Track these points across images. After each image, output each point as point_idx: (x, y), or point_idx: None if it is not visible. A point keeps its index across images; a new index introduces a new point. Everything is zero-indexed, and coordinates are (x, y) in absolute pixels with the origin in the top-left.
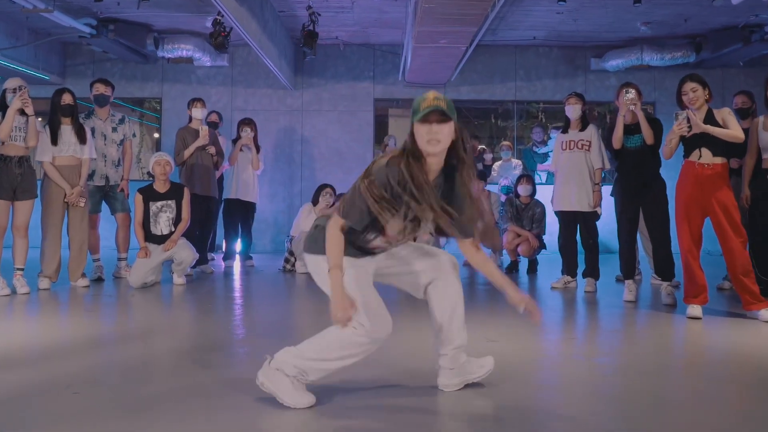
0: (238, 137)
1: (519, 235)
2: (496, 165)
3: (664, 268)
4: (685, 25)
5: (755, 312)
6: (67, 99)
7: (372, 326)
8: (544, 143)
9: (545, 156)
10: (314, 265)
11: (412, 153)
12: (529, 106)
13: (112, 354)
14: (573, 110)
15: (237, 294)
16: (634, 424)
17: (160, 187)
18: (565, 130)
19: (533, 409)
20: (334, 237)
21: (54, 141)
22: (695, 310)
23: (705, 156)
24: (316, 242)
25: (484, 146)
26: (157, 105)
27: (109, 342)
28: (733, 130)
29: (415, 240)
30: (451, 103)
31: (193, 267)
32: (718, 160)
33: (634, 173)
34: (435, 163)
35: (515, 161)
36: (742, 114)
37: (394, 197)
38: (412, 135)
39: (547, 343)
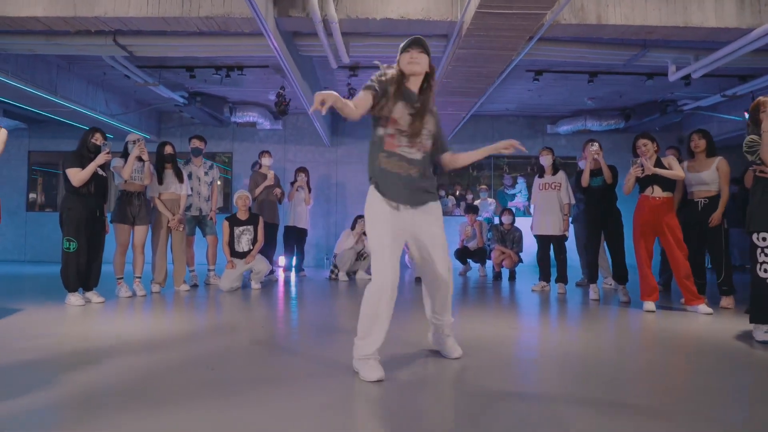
0: (295, 180)
1: (503, 253)
2: (477, 203)
3: (621, 274)
4: (620, 99)
5: (695, 306)
6: (168, 150)
7: (375, 275)
8: (513, 186)
9: (513, 196)
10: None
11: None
12: (498, 160)
13: (214, 340)
14: (545, 159)
15: (300, 295)
16: (601, 387)
17: (242, 215)
18: (541, 175)
19: (517, 377)
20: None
21: (160, 181)
22: (650, 305)
23: (656, 191)
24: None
25: (464, 191)
26: (225, 158)
27: (209, 332)
28: (676, 171)
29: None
30: (426, 42)
31: (265, 276)
32: (666, 194)
33: (598, 206)
34: (414, 82)
35: (490, 200)
36: None
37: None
38: (400, 70)
39: (548, 330)
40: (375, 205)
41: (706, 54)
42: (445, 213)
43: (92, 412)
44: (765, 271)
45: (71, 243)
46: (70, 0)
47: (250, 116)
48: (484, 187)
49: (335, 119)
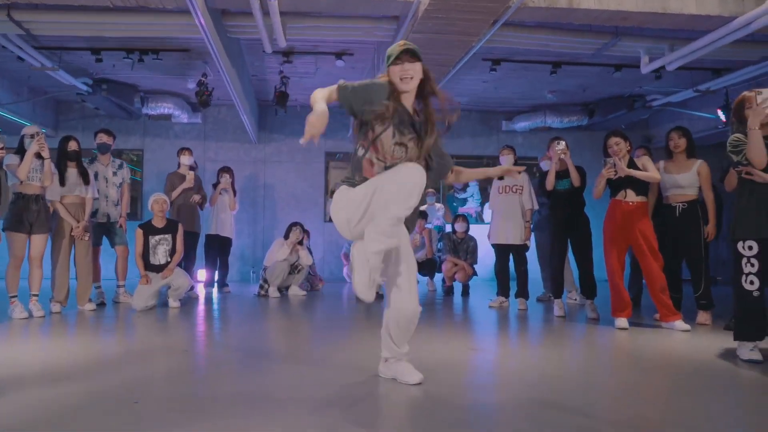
0: (218, 182)
1: (456, 264)
2: (423, 208)
3: (588, 288)
4: (583, 94)
5: (671, 323)
6: (73, 146)
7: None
8: (464, 190)
9: (464, 201)
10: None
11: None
12: None
13: (126, 369)
14: (506, 160)
15: (225, 315)
16: (570, 404)
17: (158, 222)
18: (501, 177)
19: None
20: (326, 92)
21: (62, 182)
22: (622, 322)
23: (629, 195)
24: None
25: None
26: (134, 156)
27: (122, 358)
28: (652, 173)
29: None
30: (418, 48)
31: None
32: (640, 198)
33: (564, 211)
34: (407, 97)
35: (438, 205)
36: None
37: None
38: (387, 76)
39: (515, 350)
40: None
41: (682, 44)
42: None
43: None
44: (751, 282)
45: None
46: None
47: (165, 107)
48: (431, 190)
49: (262, 111)
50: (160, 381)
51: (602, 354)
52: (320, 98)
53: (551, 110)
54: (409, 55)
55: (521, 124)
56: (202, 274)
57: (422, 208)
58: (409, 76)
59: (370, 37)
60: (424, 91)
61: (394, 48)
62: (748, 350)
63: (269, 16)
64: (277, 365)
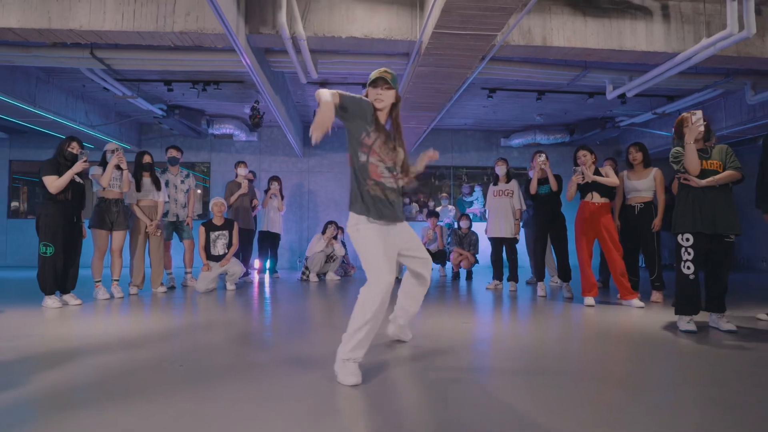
0: (269, 188)
1: (461, 254)
2: (438, 209)
3: (564, 273)
4: (564, 116)
5: (629, 301)
6: (147, 159)
7: (373, 278)
8: (470, 194)
9: (471, 203)
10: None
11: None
12: (458, 170)
13: (185, 342)
14: (500, 169)
15: (272, 296)
16: (544, 366)
17: (217, 221)
18: (495, 183)
19: (479, 361)
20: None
21: (138, 188)
22: (590, 300)
23: (595, 197)
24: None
25: (425, 198)
26: (204, 168)
27: (185, 330)
28: (612, 179)
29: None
30: (395, 76)
31: (240, 278)
32: (604, 200)
33: (545, 211)
34: (382, 115)
35: (450, 207)
36: None
37: (366, 120)
38: (367, 96)
39: (501, 324)
40: (363, 227)
41: (639, 75)
42: (409, 219)
43: (64, 410)
44: (687, 268)
45: (48, 248)
46: (44, 12)
47: (227, 128)
48: (444, 194)
49: (307, 132)
50: (214, 348)
51: (574, 326)
52: (326, 94)
53: (540, 129)
54: (383, 81)
55: (516, 141)
56: (257, 263)
57: (437, 209)
58: (381, 99)
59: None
60: (392, 112)
61: (375, 73)
62: (685, 323)
63: (301, 54)
64: (313, 334)
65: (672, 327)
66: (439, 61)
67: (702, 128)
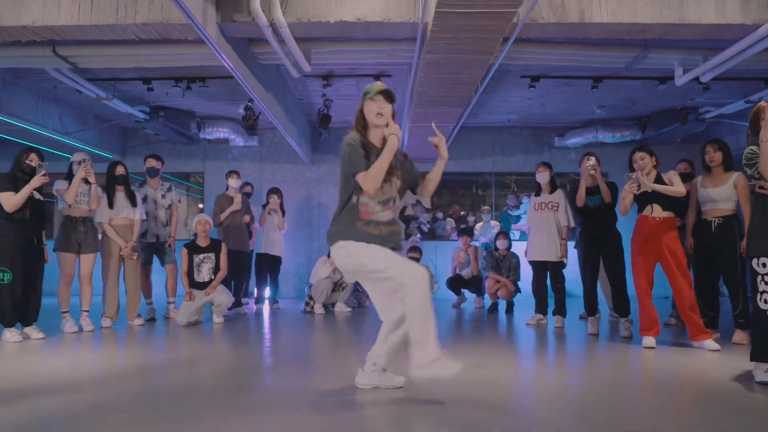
0: (267, 203)
1: (498, 282)
2: (478, 226)
3: (621, 306)
4: (633, 108)
5: (701, 342)
6: (120, 170)
7: (410, 274)
8: (517, 207)
9: (518, 218)
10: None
11: (359, 126)
12: (504, 177)
13: (161, 379)
14: (542, 176)
15: (265, 330)
16: (585, 424)
17: (202, 242)
18: (537, 194)
19: (514, 418)
20: (364, 176)
21: (110, 205)
22: (649, 340)
23: (656, 210)
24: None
25: (466, 212)
26: (200, 179)
27: (159, 370)
28: (676, 187)
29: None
30: (393, 93)
31: (230, 309)
32: (667, 213)
33: (595, 227)
34: (377, 134)
35: (493, 222)
36: (683, 177)
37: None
38: (361, 112)
39: (527, 368)
40: (351, 245)
41: (714, 54)
42: (442, 237)
43: None
44: (765, 301)
45: (5, 274)
46: None
47: (221, 132)
48: (486, 208)
49: (315, 134)
50: (174, 390)
51: (623, 374)
52: (369, 171)
53: (602, 125)
54: (385, 95)
55: (573, 140)
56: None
57: (477, 226)
58: (383, 113)
59: (393, 58)
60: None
61: (373, 86)
62: (762, 372)
63: (286, 44)
64: (313, 376)
65: (747, 377)
66: (451, 46)
67: None
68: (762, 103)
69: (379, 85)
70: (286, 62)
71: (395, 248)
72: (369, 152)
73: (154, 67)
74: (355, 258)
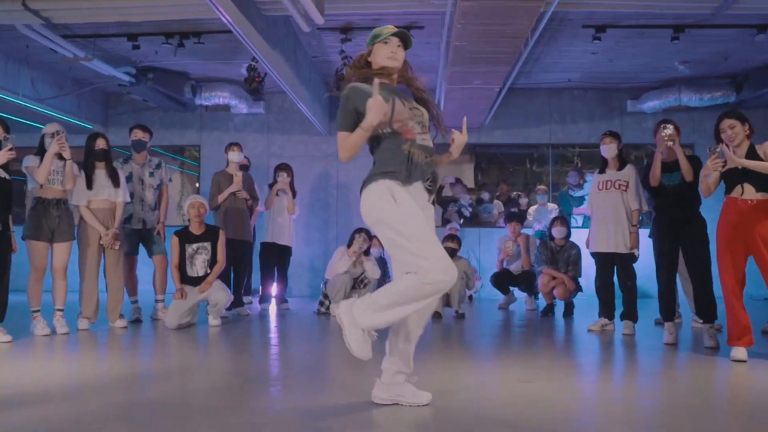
0: (275, 182)
1: (554, 278)
2: (532, 209)
3: (705, 309)
4: (725, 63)
5: None
6: (100, 144)
7: (432, 265)
8: (580, 186)
9: (581, 199)
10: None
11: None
12: (565, 150)
13: (147, 393)
14: (608, 149)
15: (271, 336)
16: None
17: (196, 229)
18: (602, 170)
19: None
20: (343, 141)
21: (89, 185)
22: (740, 352)
23: (747, 191)
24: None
25: (518, 192)
26: (196, 153)
27: (144, 381)
28: None
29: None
30: (409, 36)
31: (229, 309)
32: (761, 195)
33: (673, 211)
34: (392, 79)
35: (551, 205)
36: None
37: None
38: (363, 58)
39: (585, 385)
40: (394, 192)
41: None
42: (489, 223)
43: None
44: None
45: None
46: None
47: (221, 97)
48: (542, 187)
49: (332, 98)
50: (158, 407)
51: (707, 394)
52: (345, 142)
53: (687, 85)
54: (400, 38)
55: (650, 104)
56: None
57: (530, 209)
58: (395, 58)
59: (425, 6)
60: (403, 74)
61: (384, 28)
62: None
63: None
64: (323, 392)
65: None
66: None
67: None
68: None
69: (391, 27)
70: (294, 13)
71: (435, 184)
72: (390, 90)
73: (140, 21)
74: (385, 205)
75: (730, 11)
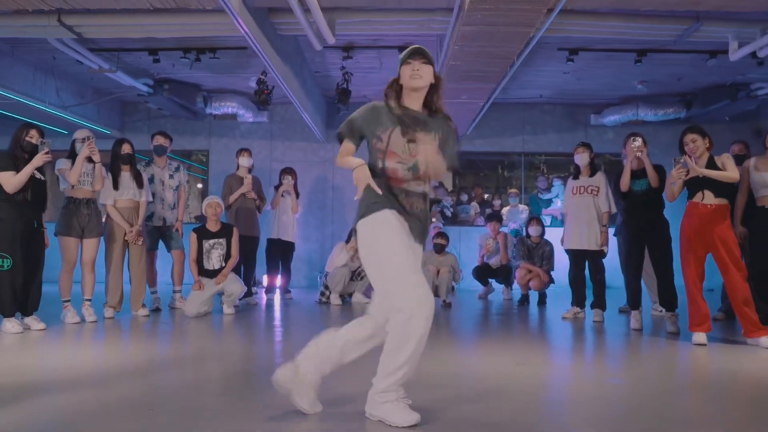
0: (280, 184)
1: (530, 271)
2: (505, 210)
3: (668, 299)
4: (678, 83)
5: (756, 339)
6: (126, 149)
7: (412, 304)
8: (548, 190)
9: (549, 201)
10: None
11: (392, 91)
12: (533, 158)
13: (175, 374)
14: (581, 158)
15: (280, 323)
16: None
17: (212, 226)
18: (575, 176)
19: (546, 423)
20: (343, 151)
21: (115, 186)
22: (700, 337)
23: (708, 197)
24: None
25: (491, 195)
26: (203, 157)
27: (168, 366)
28: (729, 172)
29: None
30: (430, 54)
31: (240, 299)
32: (719, 201)
33: (641, 214)
34: (415, 98)
35: (522, 206)
36: (738, 160)
37: (383, 121)
38: (397, 80)
39: (564, 364)
40: (390, 220)
41: None
42: (465, 222)
43: None
44: None
45: (5, 260)
46: None
47: (229, 107)
48: (514, 191)
49: (331, 109)
50: (182, 390)
51: (671, 374)
52: (344, 156)
53: (644, 102)
54: (419, 54)
55: (611, 118)
56: (264, 280)
57: (503, 210)
58: (419, 75)
59: (425, 30)
60: (431, 97)
61: (406, 52)
62: None
63: (311, 13)
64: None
65: None
66: (490, 18)
67: None
68: None
69: (411, 48)
70: (309, 33)
71: (420, 237)
72: (401, 117)
73: (165, 37)
74: (377, 232)
75: (690, 39)
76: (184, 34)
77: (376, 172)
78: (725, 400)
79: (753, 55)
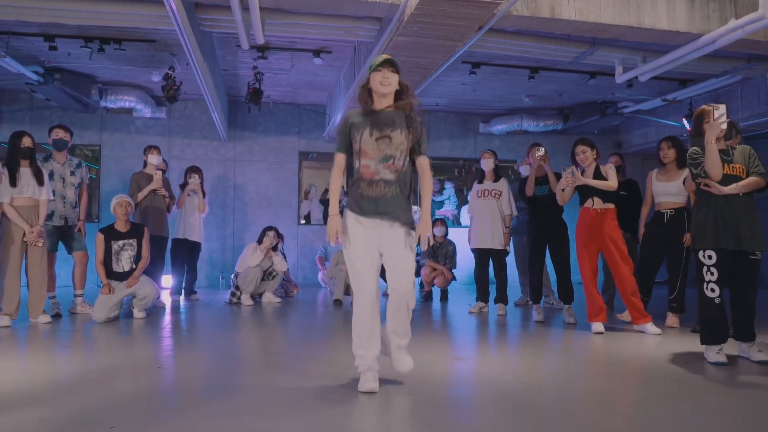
0: (185, 183)
1: (435, 269)
2: None
3: (566, 293)
4: (558, 98)
5: (642, 326)
6: (26, 142)
7: (355, 291)
8: (440, 192)
9: (441, 203)
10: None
11: (364, 95)
12: None
13: (88, 392)
14: (487, 163)
15: (195, 325)
16: (545, 412)
17: (121, 226)
18: (480, 180)
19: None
20: (335, 180)
21: (13, 183)
22: (598, 326)
23: (597, 202)
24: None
25: None
26: (89, 153)
27: (82, 380)
28: (610, 181)
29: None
30: (398, 63)
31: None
32: (607, 205)
33: (543, 216)
34: (384, 101)
35: (415, 207)
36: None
37: (357, 125)
38: (365, 85)
39: (471, 358)
40: (349, 227)
41: (654, 56)
42: None
43: None
44: (712, 290)
45: None
46: None
47: (126, 101)
48: None
49: (233, 108)
50: (132, 403)
51: (579, 359)
52: (338, 170)
53: (528, 114)
54: (388, 64)
55: (498, 127)
56: (168, 280)
57: None
58: (388, 83)
59: (351, 36)
60: (399, 99)
61: (377, 59)
62: (714, 353)
63: (248, 12)
64: (254, 380)
65: (697, 358)
66: (425, 31)
67: (725, 126)
68: (704, 107)
69: (382, 56)
70: (242, 32)
71: (386, 216)
72: (369, 119)
73: (67, 24)
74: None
75: (585, 61)
76: (96, 23)
77: (352, 173)
78: (628, 381)
79: (627, 83)
